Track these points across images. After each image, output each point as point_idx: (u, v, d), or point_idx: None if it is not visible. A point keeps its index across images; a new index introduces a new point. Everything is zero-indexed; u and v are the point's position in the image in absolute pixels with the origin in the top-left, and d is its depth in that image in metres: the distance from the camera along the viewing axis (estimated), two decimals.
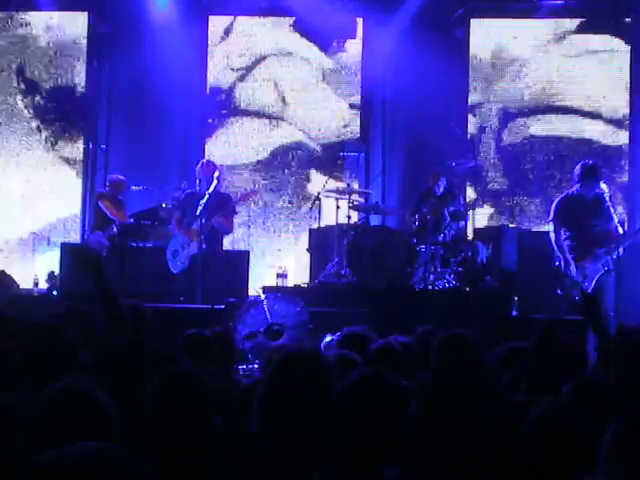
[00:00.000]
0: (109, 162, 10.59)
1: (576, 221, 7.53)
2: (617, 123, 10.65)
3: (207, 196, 8.14)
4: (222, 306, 7.38)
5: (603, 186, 7.49)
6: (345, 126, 10.89)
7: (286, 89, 10.93)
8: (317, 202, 9.12)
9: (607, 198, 7.49)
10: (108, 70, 10.70)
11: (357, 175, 10.67)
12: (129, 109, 10.66)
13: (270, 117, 10.90)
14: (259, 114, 10.91)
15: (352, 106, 10.91)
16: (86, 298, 8.38)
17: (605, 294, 7.43)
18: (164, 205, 9.16)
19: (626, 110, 10.59)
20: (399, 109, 10.61)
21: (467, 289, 8.71)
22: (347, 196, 9.16)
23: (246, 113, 10.93)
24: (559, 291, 7.62)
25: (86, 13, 10.87)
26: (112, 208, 9.30)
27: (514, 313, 8.42)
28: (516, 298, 8.55)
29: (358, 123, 10.82)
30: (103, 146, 10.56)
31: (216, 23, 10.95)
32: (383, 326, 6.15)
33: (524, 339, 3.98)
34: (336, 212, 9.18)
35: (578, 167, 7.74)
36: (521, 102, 10.75)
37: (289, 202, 10.78)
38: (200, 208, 8.10)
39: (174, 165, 10.53)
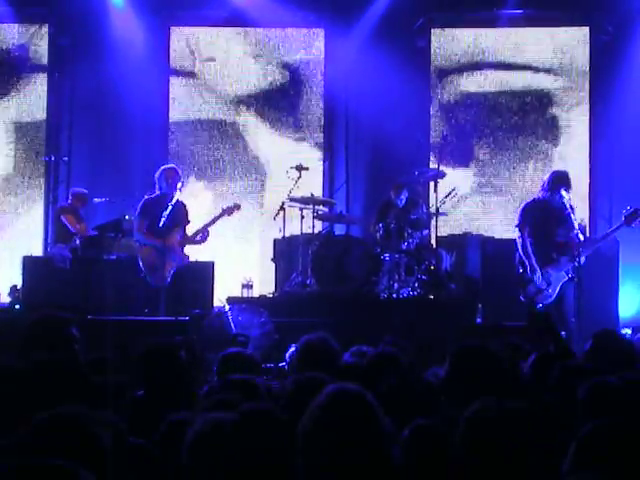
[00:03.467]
0: (71, 174, 10.51)
1: (541, 227, 7.62)
2: None
3: (170, 207, 8.09)
4: (186, 318, 7.34)
5: (564, 193, 7.58)
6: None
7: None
8: (281, 211, 9.11)
9: (568, 206, 7.58)
10: (69, 82, 10.63)
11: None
12: (91, 121, 10.60)
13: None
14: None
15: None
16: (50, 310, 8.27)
17: (566, 301, 7.53)
18: (127, 217, 9.10)
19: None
20: (362, 119, 10.65)
21: (432, 297, 8.75)
22: (311, 205, 9.18)
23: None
24: (522, 298, 7.69)
25: (46, 25, 10.80)
26: (74, 222, 9.23)
27: (479, 320, 8.47)
28: (480, 305, 8.60)
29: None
30: (65, 158, 10.48)
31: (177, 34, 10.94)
32: (349, 335, 6.17)
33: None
34: (300, 221, 9.18)
35: (548, 174, 7.88)
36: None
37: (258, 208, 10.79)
38: (164, 220, 8.05)
39: (136, 177, 10.47)
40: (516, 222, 7.82)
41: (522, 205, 7.95)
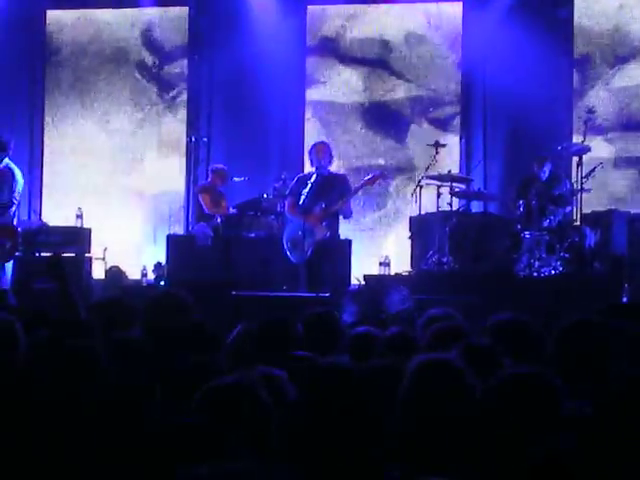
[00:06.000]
0: (211, 154, 10.75)
1: None
2: None
3: (315, 176, 8.17)
4: (327, 294, 7.40)
5: None
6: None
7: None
8: (418, 189, 9.04)
9: None
10: (208, 64, 10.87)
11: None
12: (229, 102, 10.80)
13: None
14: None
15: None
16: (192, 287, 8.55)
17: None
18: (266, 196, 9.27)
19: None
20: (501, 93, 10.40)
21: (575, 276, 8.50)
22: (448, 183, 9.07)
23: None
24: None
25: (186, 8, 11.06)
26: (209, 203, 9.44)
27: (625, 300, 8.17)
28: (627, 285, 8.30)
29: None
30: (205, 139, 10.73)
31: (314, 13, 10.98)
32: (486, 314, 6.06)
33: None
34: (437, 199, 9.09)
35: None
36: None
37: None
38: (306, 190, 8.12)
39: (274, 156, 10.62)
40: None
41: None
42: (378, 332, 4.38)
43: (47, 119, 11.28)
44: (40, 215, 10.86)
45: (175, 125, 11.14)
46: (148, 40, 11.21)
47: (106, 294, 8.54)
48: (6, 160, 8.39)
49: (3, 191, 8.30)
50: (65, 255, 8.46)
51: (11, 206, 8.34)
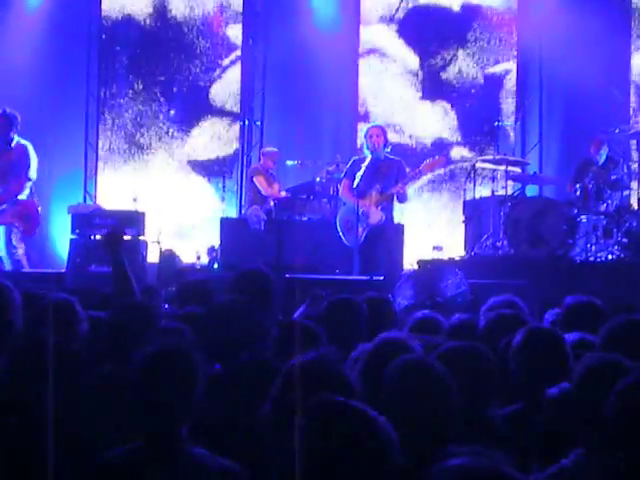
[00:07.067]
0: (264, 138, 10.77)
1: None
2: None
3: (370, 159, 8.13)
4: (381, 277, 7.38)
5: None
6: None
7: None
8: (472, 172, 8.95)
9: None
10: (262, 48, 10.87)
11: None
12: (283, 85, 10.80)
13: None
14: None
15: None
16: (244, 271, 8.56)
17: None
18: (319, 179, 9.25)
19: None
20: (557, 75, 10.24)
21: (633, 261, 8.36)
22: (504, 166, 8.96)
23: None
24: None
25: None
26: (265, 185, 9.47)
27: None
28: None
29: None
30: (258, 122, 10.74)
31: None
32: (544, 299, 5.99)
33: None
34: (492, 183, 8.99)
35: None
36: None
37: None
38: (361, 173, 8.10)
39: (327, 140, 10.60)
40: None
41: None
42: (442, 317, 4.39)
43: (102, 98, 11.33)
44: (95, 198, 10.98)
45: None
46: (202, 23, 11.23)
47: (160, 277, 8.62)
48: (17, 138, 8.23)
49: (19, 170, 8.15)
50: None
51: (24, 186, 8.13)
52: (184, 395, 2.60)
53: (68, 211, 9.35)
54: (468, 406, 2.74)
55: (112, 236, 4.50)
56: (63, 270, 8.67)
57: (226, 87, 11.20)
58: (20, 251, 8.19)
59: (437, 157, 8.52)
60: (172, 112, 11.22)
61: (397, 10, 10.72)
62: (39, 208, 8.48)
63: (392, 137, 9.15)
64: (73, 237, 8.83)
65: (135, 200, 9.66)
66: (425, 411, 2.54)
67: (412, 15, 10.81)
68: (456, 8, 10.72)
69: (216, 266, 9.16)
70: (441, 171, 10.55)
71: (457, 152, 10.71)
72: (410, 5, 10.80)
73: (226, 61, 11.10)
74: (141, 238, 9.16)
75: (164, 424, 2.57)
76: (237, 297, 3.89)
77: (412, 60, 10.88)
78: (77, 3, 10.72)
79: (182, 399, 2.59)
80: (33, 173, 8.31)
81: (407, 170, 8.35)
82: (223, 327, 3.49)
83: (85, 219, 9.05)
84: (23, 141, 8.33)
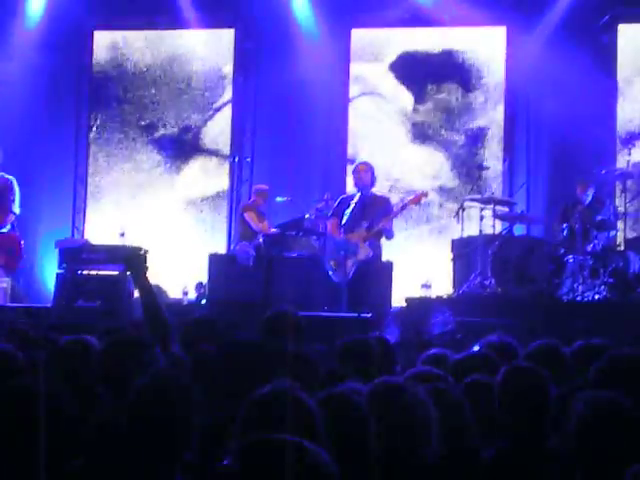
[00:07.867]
0: (254, 174, 10.82)
1: None
2: None
3: (358, 196, 8.18)
4: (369, 315, 7.38)
5: None
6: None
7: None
8: (461, 211, 9.01)
9: None
10: (253, 85, 10.96)
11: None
12: (273, 122, 10.87)
13: None
14: None
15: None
16: (233, 306, 8.54)
17: None
18: (308, 216, 9.28)
19: None
20: (544, 117, 10.36)
21: (618, 301, 8.39)
22: (491, 205, 9.03)
23: None
24: None
25: (232, 30, 11.17)
26: (256, 220, 9.50)
27: None
28: None
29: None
30: (248, 159, 10.80)
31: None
32: (530, 338, 6.00)
33: None
34: (479, 222, 9.05)
35: None
36: None
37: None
38: (349, 210, 8.14)
39: (316, 177, 10.65)
40: None
41: None
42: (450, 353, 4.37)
43: (92, 134, 11.39)
44: (83, 233, 10.98)
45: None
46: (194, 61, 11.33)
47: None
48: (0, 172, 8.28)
49: (2, 204, 8.16)
50: (107, 274, 8.53)
51: (6, 220, 8.17)
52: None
53: (55, 245, 9.31)
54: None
55: (134, 253, 4.12)
56: (49, 305, 8.63)
57: (216, 126, 11.30)
58: (4, 284, 8.18)
59: (421, 191, 8.61)
60: (162, 153, 11.30)
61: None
62: (22, 242, 8.47)
63: (380, 178, 9.22)
64: (60, 271, 8.79)
65: (122, 235, 9.64)
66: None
67: (402, 57, 10.95)
68: (438, 52, 10.87)
69: (204, 302, 9.14)
70: (431, 208, 10.62)
71: (445, 191, 10.77)
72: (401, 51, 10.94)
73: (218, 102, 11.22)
74: (128, 273, 9.11)
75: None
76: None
77: (403, 101, 10.97)
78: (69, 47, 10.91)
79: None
80: (16, 207, 8.34)
81: (393, 207, 8.43)
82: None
83: (72, 253, 9.01)
84: (7, 176, 8.38)
